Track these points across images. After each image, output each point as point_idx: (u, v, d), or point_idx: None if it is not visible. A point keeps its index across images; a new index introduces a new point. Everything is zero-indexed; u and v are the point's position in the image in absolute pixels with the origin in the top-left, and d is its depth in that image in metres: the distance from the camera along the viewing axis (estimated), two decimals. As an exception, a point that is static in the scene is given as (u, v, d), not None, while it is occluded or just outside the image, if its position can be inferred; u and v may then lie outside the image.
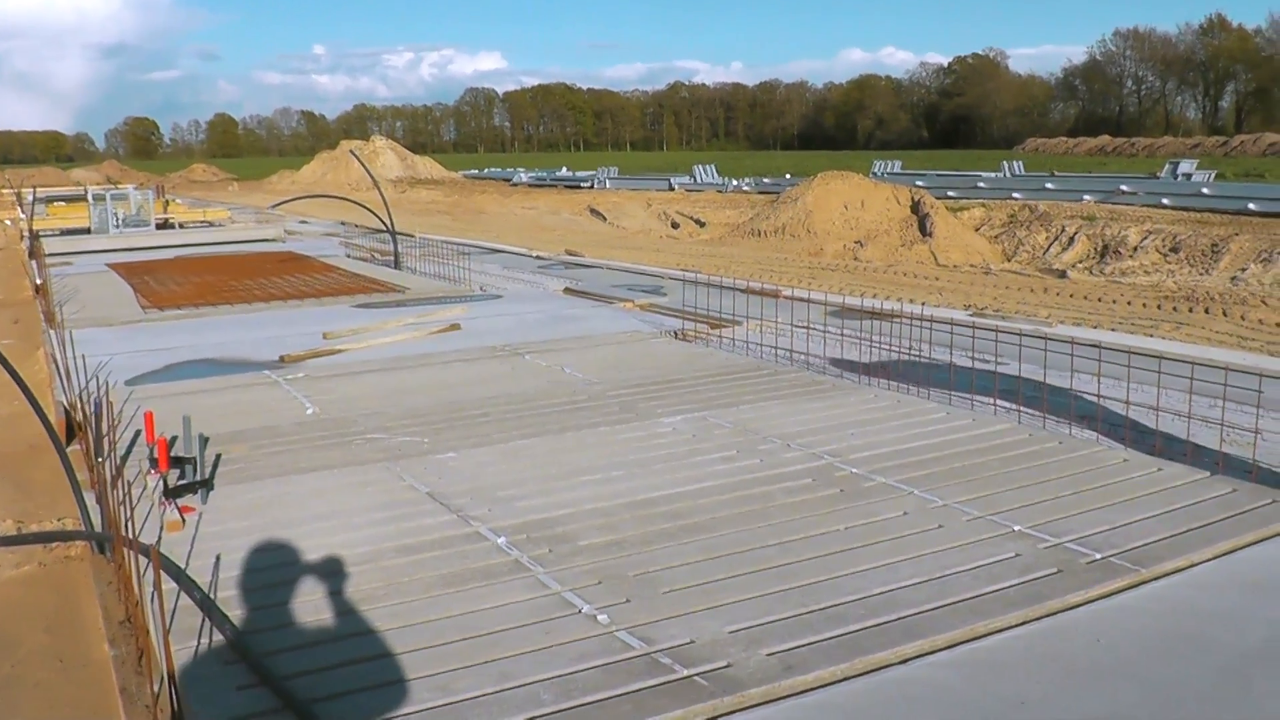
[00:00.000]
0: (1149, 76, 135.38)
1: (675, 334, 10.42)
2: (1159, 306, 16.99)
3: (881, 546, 4.79)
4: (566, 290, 14.17)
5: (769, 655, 3.76)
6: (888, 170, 56.65)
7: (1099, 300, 17.77)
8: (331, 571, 4.58)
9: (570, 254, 20.94)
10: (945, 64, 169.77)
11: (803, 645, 3.83)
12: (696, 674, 3.64)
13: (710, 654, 3.77)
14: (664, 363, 9.07)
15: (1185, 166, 43.31)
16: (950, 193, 41.81)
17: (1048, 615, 4.15)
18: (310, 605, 4.26)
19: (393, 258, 17.95)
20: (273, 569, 4.64)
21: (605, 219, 43.46)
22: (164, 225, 27.00)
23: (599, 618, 4.05)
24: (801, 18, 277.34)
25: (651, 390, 8.03)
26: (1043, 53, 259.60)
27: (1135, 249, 26.40)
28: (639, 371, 8.70)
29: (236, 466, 6.23)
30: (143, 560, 4.25)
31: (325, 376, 8.78)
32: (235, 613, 4.17)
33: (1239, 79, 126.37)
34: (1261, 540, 4.98)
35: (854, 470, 5.93)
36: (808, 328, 9.85)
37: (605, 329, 10.77)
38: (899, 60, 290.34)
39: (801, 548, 4.77)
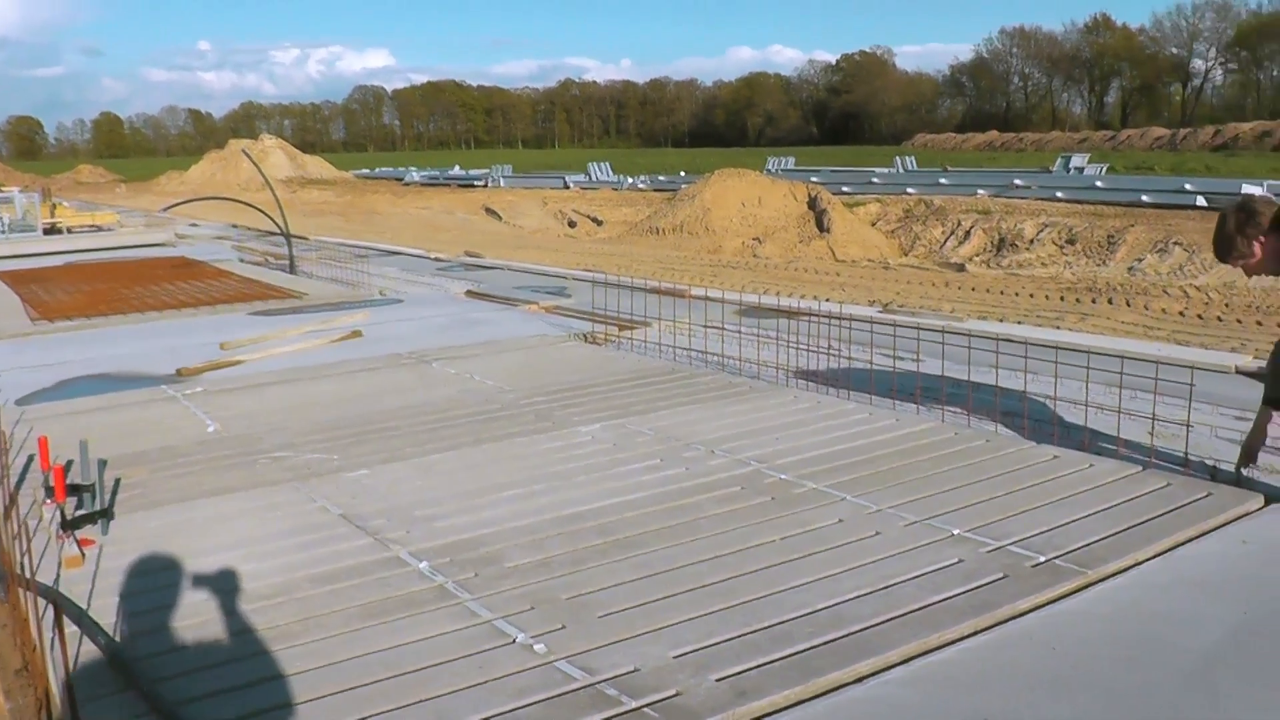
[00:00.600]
0: (1035, 73, 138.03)
1: (585, 337, 10.18)
2: (1061, 298, 17.13)
3: (821, 558, 4.61)
4: (469, 293, 13.86)
5: (719, 680, 3.56)
6: (782, 167, 57.06)
7: (1000, 293, 17.88)
8: (244, 607, 4.27)
9: (470, 255, 20.59)
10: (833, 61, 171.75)
11: (752, 668, 3.64)
12: (646, 705, 3.42)
13: (657, 682, 3.55)
14: (576, 367, 8.84)
15: (1077, 160, 44.12)
16: (845, 188, 42.17)
17: (998, 624, 4.00)
18: (224, 646, 3.95)
19: (288, 262, 17.48)
20: (181, 607, 4.31)
21: (502, 218, 43.17)
22: (51, 230, 26.03)
23: (535, 647, 3.81)
24: (690, 16, 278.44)
25: (566, 397, 7.79)
26: (929, 50, 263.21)
27: (1032, 241, 26.72)
28: (551, 377, 8.45)
29: (137, 492, 5.86)
30: (41, 601, 3.94)
31: (225, 390, 8.41)
32: (142, 656, 3.86)
33: (1124, 75, 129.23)
34: (1202, 535, 4.90)
35: (783, 476, 5.76)
36: (720, 328, 9.68)
37: (512, 333, 10.51)
38: (787, 58, 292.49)
39: (739, 562, 4.57)
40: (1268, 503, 5.30)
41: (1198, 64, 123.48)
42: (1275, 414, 5.48)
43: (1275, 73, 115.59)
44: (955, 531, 4.89)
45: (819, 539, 4.84)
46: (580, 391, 7.94)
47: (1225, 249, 5.38)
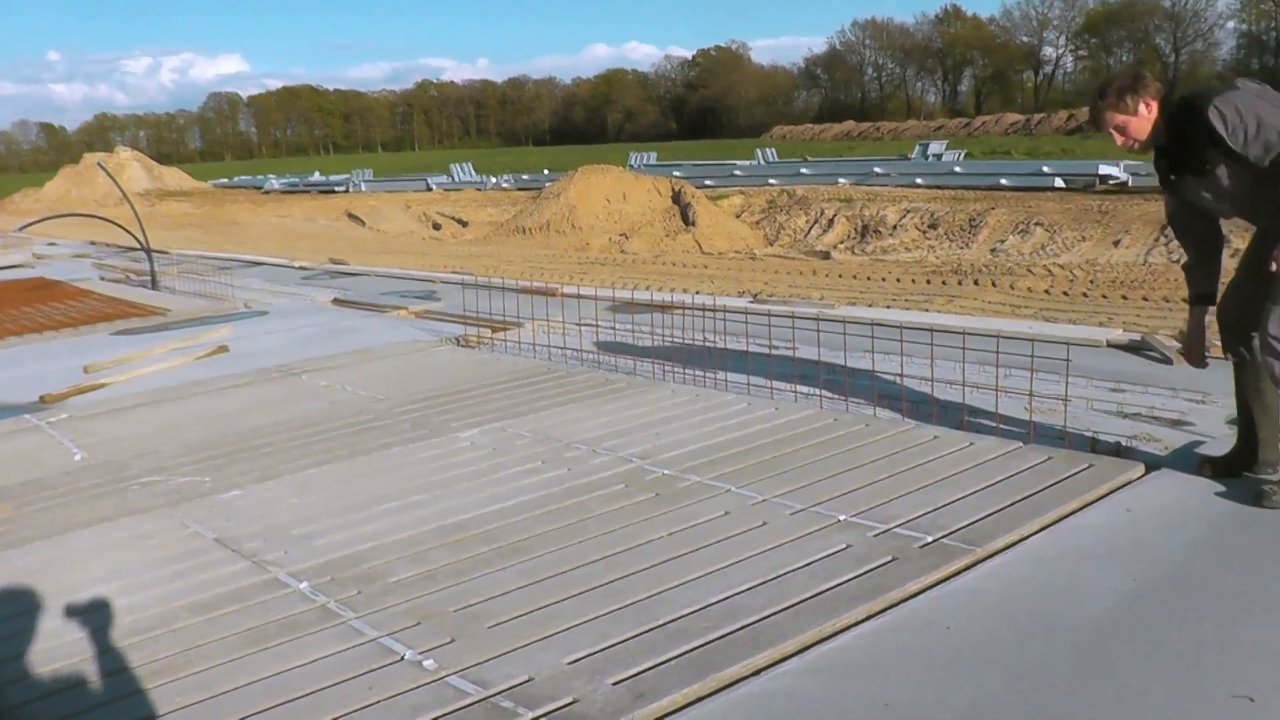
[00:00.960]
0: (889, 64, 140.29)
1: (457, 340, 10.01)
2: (928, 281, 17.38)
3: (710, 551, 4.55)
4: (336, 301, 13.59)
5: (615, 684, 3.48)
6: (644, 162, 57.16)
7: (868, 279, 18.08)
8: (121, 643, 4.06)
9: (334, 262, 20.22)
10: (689, 57, 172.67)
11: (649, 669, 3.56)
12: (542, 715, 3.32)
13: (553, 690, 3.46)
14: (450, 372, 8.68)
15: (935, 147, 44.89)
16: (708, 181, 42.36)
17: (891, 607, 3.98)
18: (101, 687, 3.76)
19: (150, 278, 17.00)
20: (54, 649, 4.09)
21: (364, 223, 42.61)
22: (-103, 258, 24.98)
23: (425, 663, 3.69)
24: (545, 13, 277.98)
25: (442, 403, 7.64)
26: (783, 44, 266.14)
27: (895, 227, 27.10)
28: (425, 384, 8.28)
29: (2, 530, 5.59)
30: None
31: (91, 415, 8.09)
32: (14, 705, 3.65)
33: (976, 64, 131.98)
34: (1085, 506, 4.95)
35: (666, 472, 5.70)
36: (594, 325, 9.61)
37: (383, 340, 10.30)
38: (643, 54, 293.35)
39: (628, 561, 4.50)
40: (1148, 470, 5.38)
41: (1049, 51, 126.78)
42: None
43: (1125, 58, 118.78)
44: (841, 517, 4.88)
45: (707, 532, 4.78)
46: (456, 397, 7.80)
47: (1111, 104, 5.10)
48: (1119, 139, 5.07)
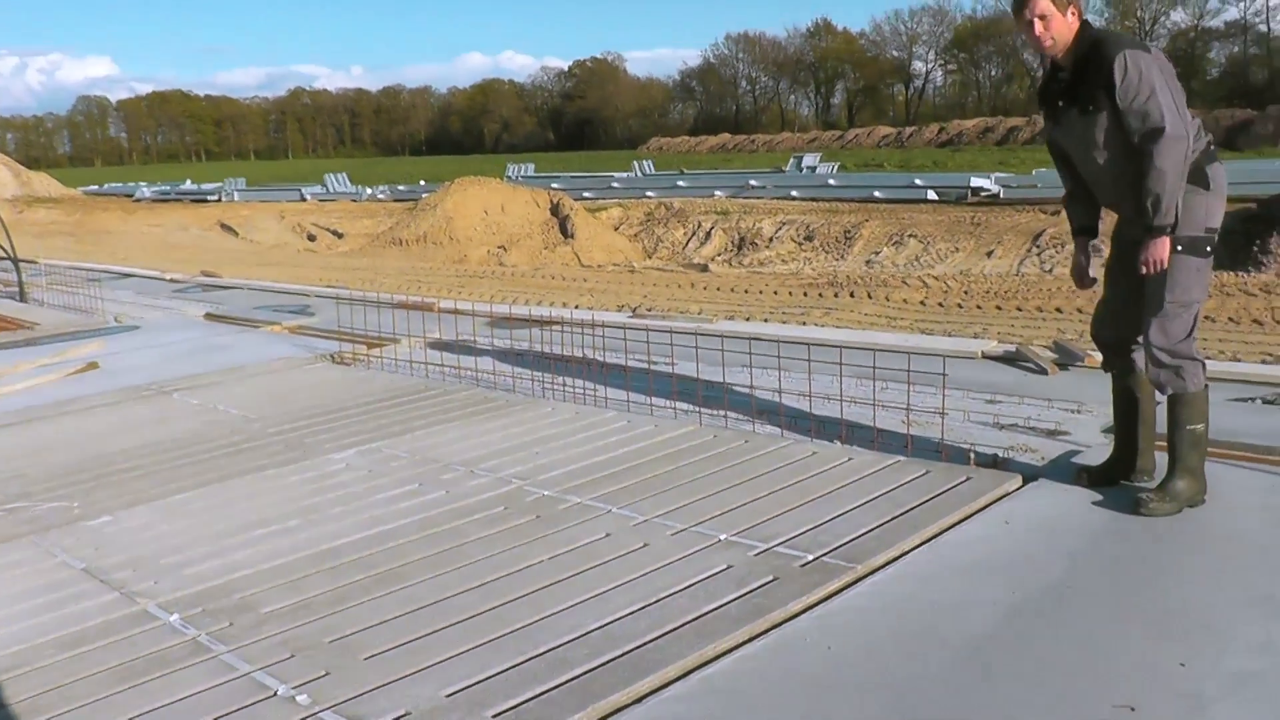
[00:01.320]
0: (763, 77, 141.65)
1: (333, 357, 9.81)
2: (805, 294, 17.52)
3: (590, 575, 4.50)
4: (208, 316, 13.28)
5: (496, 716, 3.41)
6: (522, 173, 57.00)
7: (745, 291, 18.17)
8: (-19, 684, 3.90)
9: (207, 275, 19.80)
10: (565, 67, 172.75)
11: (530, 699, 3.50)
12: (420, 752, 3.26)
13: (431, 725, 3.39)
14: (325, 390, 8.51)
15: (809, 160, 45.38)
16: (586, 193, 42.36)
17: (774, 628, 3.97)
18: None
19: (18, 289, 16.45)
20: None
21: (238, 234, 41.86)
22: None
23: (298, 698, 3.58)
24: (419, 21, 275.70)
25: (317, 423, 7.48)
26: (658, 56, 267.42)
27: (771, 240, 27.32)
28: (300, 403, 8.11)
29: None
30: None
31: (-52, 438, 7.79)
32: None
33: (848, 78, 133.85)
34: (964, 520, 4.99)
35: (546, 493, 5.64)
36: (472, 341, 9.51)
37: (256, 357, 10.07)
38: (519, 64, 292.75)
39: (507, 587, 4.43)
40: (1026, 482, 5.45)
41: (918, 65, 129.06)
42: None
43: (993, 72, 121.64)
44: (722, 536, 4.86)
45: (587, 555, 4.74)
46: (331, 416, 7.65)
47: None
48: (1038, 29, 4.89)
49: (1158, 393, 5.07)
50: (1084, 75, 4.85)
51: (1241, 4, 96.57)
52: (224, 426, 7.57)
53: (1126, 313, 5.17)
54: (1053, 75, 5.10)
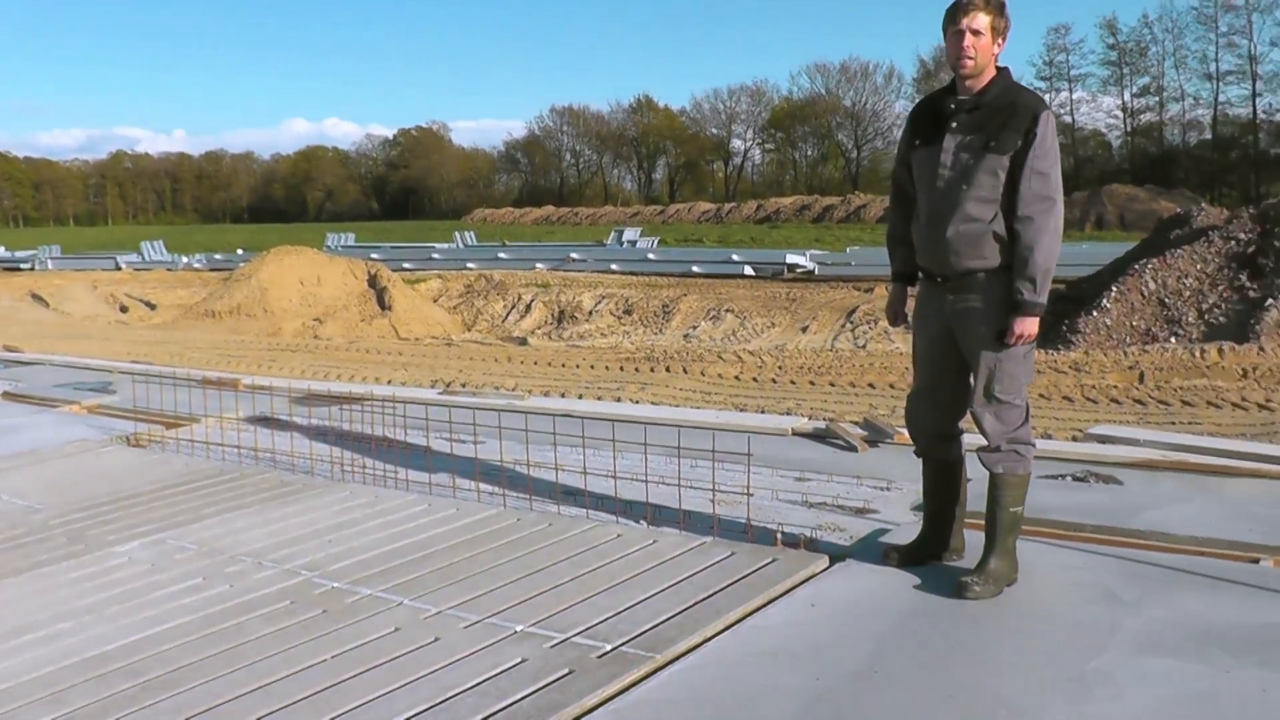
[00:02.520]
0: (586, 150, 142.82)
1: (129, 439, 9.33)
2: (621, 368, 17.48)
3: (375, 675, 4.29)
4: (5, 395, 12.61)
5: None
6: (342, 243, 56.43)
7: (563, 365, 18.08)
8: None
9: (9, 350, 18.91)
10: (390, 136, 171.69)
11: (299, 818, 3.29)
12: None
13: None
14: (117, 476, 8.04)
15: (630, 234, 45.81)
16: (406, 265, 42.06)
17: (566, 728, 3.82)
18: None
19: None
20: None
21: (49, 305, 40.28)
22: None
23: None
24: (242, 84, 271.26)
25: (105, 512, 7.04)
26: (483, 126, 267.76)
27: (591, 313, 27.36)
28: (89, 490, 7.64)
29: None
30: None
31: None
32: None
33: (669, 153, 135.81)
34: (770, 602, 4.93)
35: (335, 585, 5.40)
36: (274, 420, 9.19)
37: (51, 439, 9.48)
38: (343, 131, 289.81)
39: (285, 690, 4.18)
40: (833, 562, 5.41)
41: (737, 143, 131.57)
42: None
43: (809, 152, 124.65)
44: (519, 628, 4.71)
45: (374, 652, 4.52)
46: (120, 504, 7.22)
47: (996, 3, 4.77)
48: (967, 41, 4.70)
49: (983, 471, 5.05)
50: (999, 114, 4.71)
51: (1047, 96, 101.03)
52: (5, 518, 7.06)
53: (948, 400, 5.14)
54: (941, 99, 4.95)
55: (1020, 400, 4.89)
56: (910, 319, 5.29)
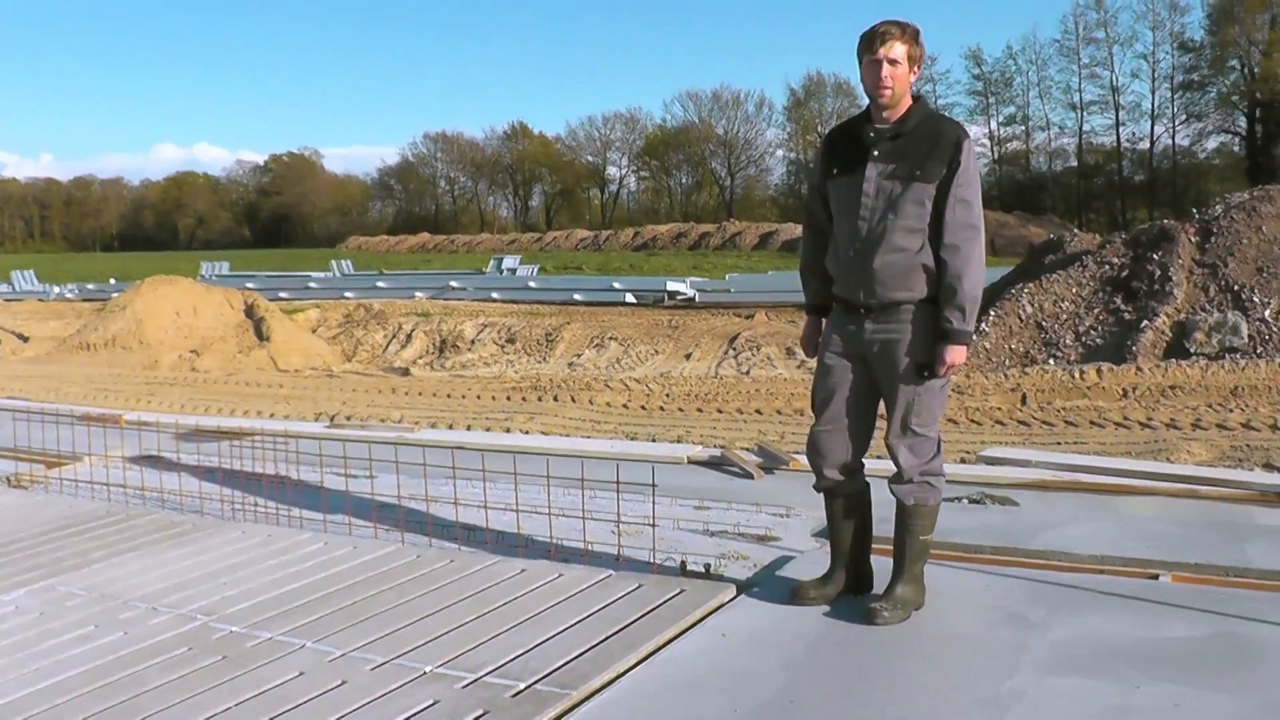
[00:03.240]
0: (461, 177, 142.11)
1: (9, 480, 8.98)
2: (508, 398, 17.37)
3: (284, 722, 4.17)
4: None
5: None
6: (216, 272, 55.51)
7: (448, 396, 17.91)
8: None
9: None
10: (261, 162, 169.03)
11: None
12: None
13: None
14: None
15: (510, 262, 45.72)
16: (283, 294, 41.47)
17: (484, 770, 3.75)
18: None
19: None
20: None
21: (-86, 338, 38.90)
22: None
23: None
24: (110, 107, 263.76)
25: None
26: (355, 153, 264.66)
27: (473, 342, 27.20)
28: None
29: None
30: None
31: None
32: None
33: (545, 180, 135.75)
34: (680, 634, 4.90)
35: (235, 629, 5.24)
36: (159, 457, 8.94)
37: (-80, 483, 9.13)
38: (214, 157, 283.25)
39: (187, 741, 4.04)
40: (740, 590, 5.39)
41: (613, 171, 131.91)
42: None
43: (684, 180, 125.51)
44: (428, 668, 4.61)
45: (278, 700, 4.38)
46: (3, 549, 6.89)
47: (911, 34, 4.72)
48: (885, 71, 4.66)
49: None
50: (922, 142, 4.67)
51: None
52: None
53: (858, 432, 5.07)
54: (858, 126, 4.86)
55: (934, 432, 4.90)
56: (820, 347, 5.15)
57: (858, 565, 5.24)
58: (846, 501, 5.17)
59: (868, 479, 5.24)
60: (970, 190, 4.66)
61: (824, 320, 5.21)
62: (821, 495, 5.25)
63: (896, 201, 4.68)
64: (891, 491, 4.99)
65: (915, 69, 4.76)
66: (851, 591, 5.21)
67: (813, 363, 5.20)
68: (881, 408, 5.05)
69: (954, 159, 4.64)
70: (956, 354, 4.70)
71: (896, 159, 4.71)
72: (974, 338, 4.86)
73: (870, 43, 4.70)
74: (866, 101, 4.88)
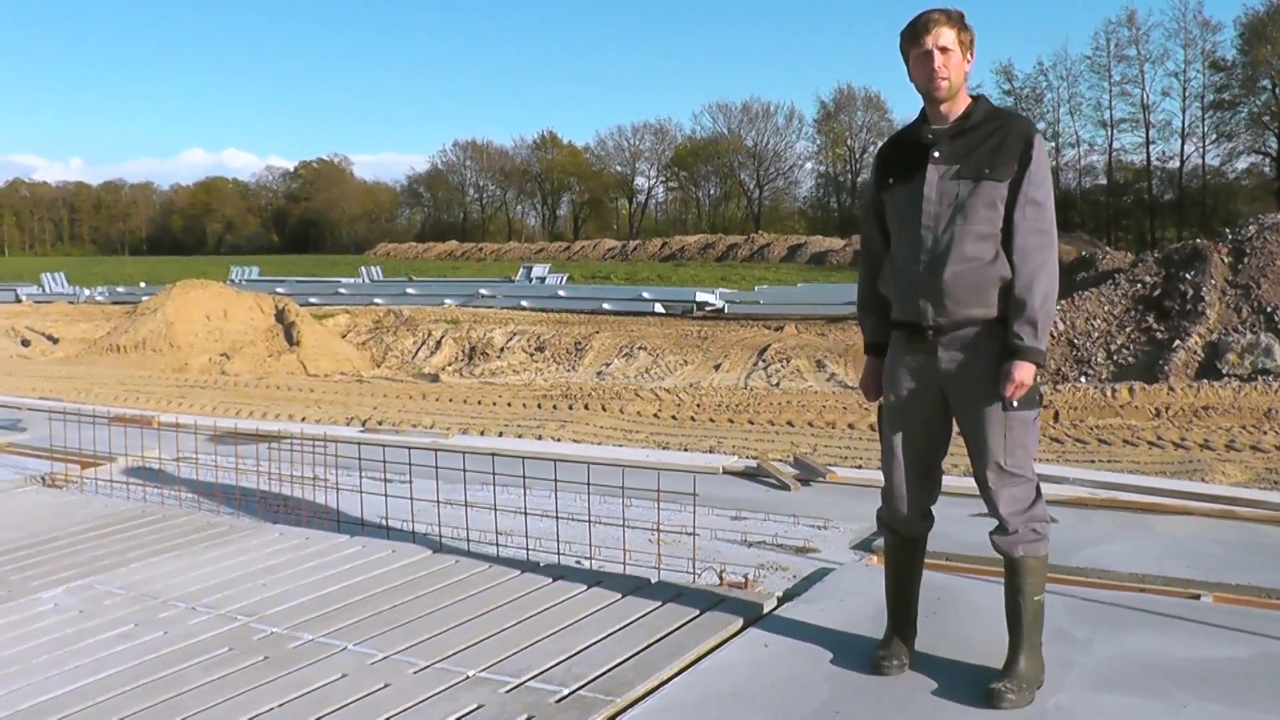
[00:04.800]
0: (490, 185, 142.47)
1: (44, 479, 9.00)
2: (539, 406, 17.37)
3: (327, 725, 4.17)
4: (-96, 433, 12.18)
5: None
6: (246, 277, 55.69)
7: (478, 403, 17.92)
8: None
9: (-97, 386, 18.35)
10: (291, 168, 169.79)
11: None
12: None
13: None
14: (34, 518, 7.73)
15: (539, 270, 45.73)
16: (313, 299, 41.60)
17: (532, 776, 3.74)
18: None
19: None
20: None
21: (-54, 339, 39.17)
22: None
23: None
24: (139, 112, 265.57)
25: (25, 556, 6.74)
26: (384, 160, 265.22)
27: (502, 350, 27.21)
28: (4, 533, 7.31)
29: None
30: None
31: None
32: None
33: (573, 190, 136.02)
34: (721, 644, 4.87)
35: (275, 630, 5.24)
36: (194, 459, 8.97)
37: (-42, 481, 9.15)
38: (242, 163, 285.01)
39: (233, 742, 4.05)
40: (780, 602, 5.37)
41: (641, 181, 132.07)
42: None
43: (713, 191, 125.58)
44: (470, 673, 4.60)
45: (322, 700, 4.38)
46: (40, 548, 6.93)
47: (956, 19, 4.31)
48: (937, 60, 4.25)
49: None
50: (989, 138, 4.26)
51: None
52: (-85, 565, 6.80)
53: (934, 475, 4.61)
54: (915, 130, 4.45)
55: (1031, 472, 4.34)
56: (884, 385, 4.63)
57: (913, 615, 4.76)
58: (915, 549, 4.71)
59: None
60: (1042, 191, 4.22)
61: (883, 360, 4.68)
62: (885, 534, 4.78)
63: (964, 205, 4.22)
64: (995, 547, 4.42)
65: (969, 55, 4.35)
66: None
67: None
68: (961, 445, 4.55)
69: (1025, 154, 4.21)
70: (1025, 372, 4.15)
71: (960, 158, 4.27)
72: (1046, 357, 4.38)
73: (915, 35, 4.31)
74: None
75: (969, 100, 4.38)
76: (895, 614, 4.73)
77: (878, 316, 4.67)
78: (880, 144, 4.96)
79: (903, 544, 4.70)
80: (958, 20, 4.31)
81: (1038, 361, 4.19)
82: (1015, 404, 4.21)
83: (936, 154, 4.29)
